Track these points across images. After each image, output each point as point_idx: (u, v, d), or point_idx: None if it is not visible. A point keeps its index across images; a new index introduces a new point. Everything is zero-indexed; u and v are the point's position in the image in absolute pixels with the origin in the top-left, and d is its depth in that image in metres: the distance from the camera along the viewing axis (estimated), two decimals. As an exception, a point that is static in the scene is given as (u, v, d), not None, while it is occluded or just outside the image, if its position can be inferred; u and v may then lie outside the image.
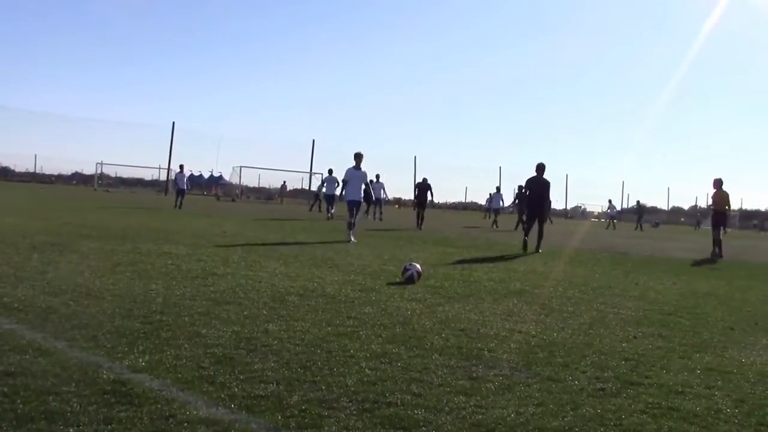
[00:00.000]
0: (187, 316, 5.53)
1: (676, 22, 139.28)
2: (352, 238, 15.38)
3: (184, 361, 4.18)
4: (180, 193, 30.42)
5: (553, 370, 4.56)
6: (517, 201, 32.35)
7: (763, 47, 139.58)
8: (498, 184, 34.27)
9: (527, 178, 16.90)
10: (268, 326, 5.33)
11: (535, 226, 16.42)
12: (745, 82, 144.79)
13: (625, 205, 78.41)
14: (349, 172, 16.47)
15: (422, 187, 27.33)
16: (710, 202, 19.73)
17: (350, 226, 15.92)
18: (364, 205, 16.84)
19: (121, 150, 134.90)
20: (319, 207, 35.78)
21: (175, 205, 29.16)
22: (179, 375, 3.88)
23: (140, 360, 4.13)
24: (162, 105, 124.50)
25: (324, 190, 30.26)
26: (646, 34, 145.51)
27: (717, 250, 18.08)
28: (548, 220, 18.05)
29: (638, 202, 51.88)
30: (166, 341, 4.64)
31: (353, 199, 16.30)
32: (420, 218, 25.72)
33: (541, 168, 16.58)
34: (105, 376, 3.73)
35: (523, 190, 17.40)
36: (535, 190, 16.61)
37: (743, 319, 7.39)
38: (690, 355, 5.32)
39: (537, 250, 15.76)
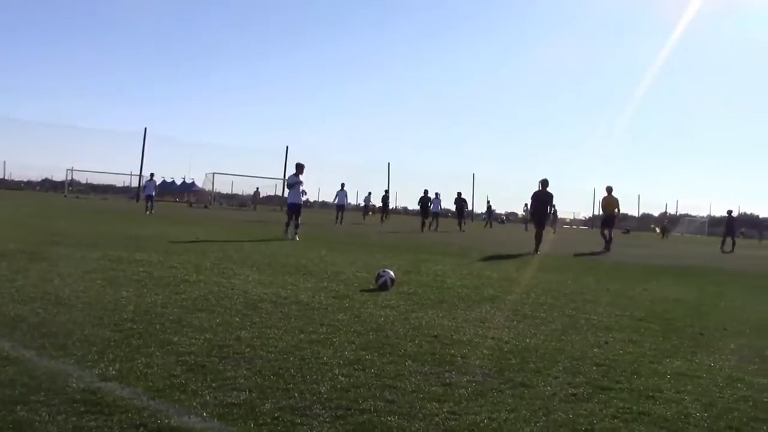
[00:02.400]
0: (159, 323, 5.48)
1: (646, 29, 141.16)
2: (289, 236, 17.77)
3: (155, 369, 4.15)
4: (148, 198, 33.22)
5: (525, 376, 4.59)
6: (456, 206, 35.91)
7: (732, 54, 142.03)
8: (437, 191, 36.45)
9: (533, 192, 19.53)
10: (241, 333, 5.30)
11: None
12: (714, 90, 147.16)
13: (596, 213, 79.34)
14: (291, 178, 19.03)
15: (425, 198, 33.13)
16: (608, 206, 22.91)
17: (287, 226, 18.26)
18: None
19: (93, 156, 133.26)
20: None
21: (146, 210, 31.29)
22: (150, 383, 3.84)
23: (110, 368, 4.08)
24: (134, 111, 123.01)
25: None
26: (616, 41, 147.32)
27: (606, 244, 21.52)
28: (554, 229, 21.74)
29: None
30: (137, 349, 4.60)
31: (294, 203, 18.55)
32: (423, 224, 31.49)
33: (544, 183, 19.30)
34: (74, 385, 3.69)
35: (531, 203, 20.54)
36: (541, 202, 19.40)
37: (712, 324, 7.49)
38: (660, 360, 5.39)
39: (536, 252, 18.40)
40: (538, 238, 19.04)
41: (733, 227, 32.47)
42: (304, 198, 19.55)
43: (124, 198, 62.41)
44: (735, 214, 34.11)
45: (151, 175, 36.26)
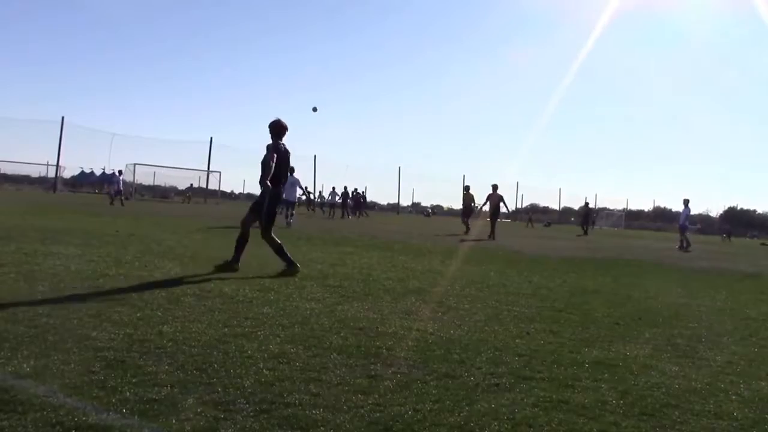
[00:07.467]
0: (76, 318, 5.31)
1: (564, 28, 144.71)
2: (287, 224, 22.59)
3: (72, 365, 4.02)
4: (117, 192, 37.30)
5: (449, 367, 4.66)
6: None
7: (648, 53, 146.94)
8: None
9: (488, 193, 26.96)
10: (163, 328, 5.19)
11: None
12: (631, 87, 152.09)
13: (519, 206, 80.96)
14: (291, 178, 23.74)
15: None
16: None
17: (288, 217, 23.65)
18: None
19: (7, 146, 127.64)
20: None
21: (111, 202, 35.29)
22: (67, 380, 3.72)
23: (25, 365, 3.94)
24: (51, 100, 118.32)
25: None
26: (536, 37, 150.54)
27: (467, 230, 28.08)
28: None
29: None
30: (53, 345, 4.44)
31: (287, 199, 23.16)
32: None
33: (494, 186, 26.68)
34: (-15, 384, 3.54)
35: (488, 202, 27.53)
36: (493, 201, 26.61)
37: (628, 314, 7.75)
38: (579, 350, 5.55)
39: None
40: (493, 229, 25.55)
41: (588, 216, 42.31)
42: (299, 193, 25.16)
43: (40, 189, 60.15)
44: (591, 205, 46.79)
45: (120, 172, 40.10)
